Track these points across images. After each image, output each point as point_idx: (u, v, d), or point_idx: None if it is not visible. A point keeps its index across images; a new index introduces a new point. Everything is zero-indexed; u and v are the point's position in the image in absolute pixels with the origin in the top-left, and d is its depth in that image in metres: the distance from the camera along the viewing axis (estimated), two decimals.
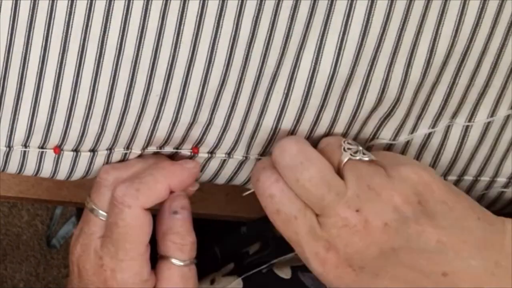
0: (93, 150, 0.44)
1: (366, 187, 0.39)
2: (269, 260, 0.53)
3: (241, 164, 0.46)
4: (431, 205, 0.39)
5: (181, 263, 0.44)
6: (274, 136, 0.44)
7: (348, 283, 0.39)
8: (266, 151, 0.45)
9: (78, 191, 0.56)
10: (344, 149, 0.41)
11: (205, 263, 0.49)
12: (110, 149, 0.44)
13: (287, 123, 0.43)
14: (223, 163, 0.45)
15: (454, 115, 0.44)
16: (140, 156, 0.45)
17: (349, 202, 0.39)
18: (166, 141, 0.44)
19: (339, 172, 0.41)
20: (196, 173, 0.44)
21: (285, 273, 0.51)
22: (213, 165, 0.46)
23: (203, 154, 0.45)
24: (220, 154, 0.45)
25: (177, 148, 0.45)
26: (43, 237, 1.43)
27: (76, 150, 0.43)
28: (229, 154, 0.45)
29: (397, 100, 0.42)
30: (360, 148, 0.41)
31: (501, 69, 0.42)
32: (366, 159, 0.40)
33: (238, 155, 0.45)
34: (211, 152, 0.45)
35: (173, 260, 0.44)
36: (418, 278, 0.38)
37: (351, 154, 0.40)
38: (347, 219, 0.39)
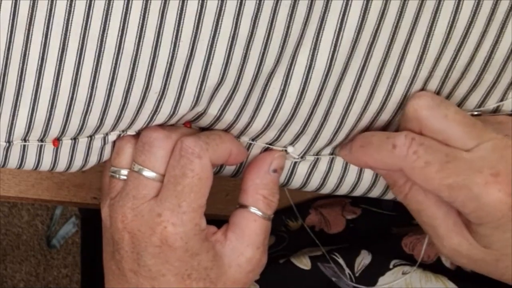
0: (90, 136, 0.44)
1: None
2: (286, 254, 0.53)
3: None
4: None
5: (266, 217, 0.45)
6: (267, 128, 0.44)
7: None
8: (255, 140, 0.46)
9: (78, 191, 0.56)
10: None
11: None
12: (106, 133, 0.44)
13: (282, 117, 0.43)
14: None
15: None
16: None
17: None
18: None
19: None
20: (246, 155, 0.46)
21: (304, 264, 0.51)
22: None
23: None
24: None
25: None
26: (43, 237, 1.44)
27: (74, 138, 0.44)
28: None
29: (387, 94, 0.43)
30: None
31: (493, 65, 0.43)
32: None
33: None
34: None
35: (259, 213, 0.45)
36: None
37: None
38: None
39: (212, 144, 0.43)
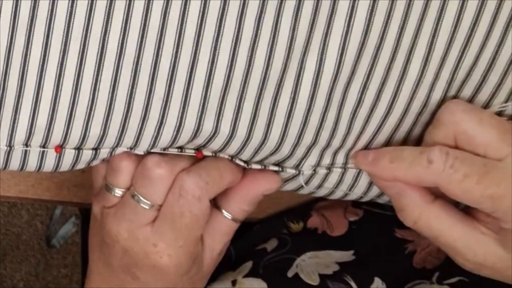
0: (96, 149, 0.44)
1: None
2: (290, 257, 0.53)
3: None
4: None
5: (238, 223, 0.47)
6: (282, 143, 0.43)
7: None
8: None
9: (78, 191, 0.56)
10: None
11: (220, 263, 0.50)
12: (114, 148, 0.44)
13: (294, 128, 0.43)
14: None
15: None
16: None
17: None
18: (171, 145, 0.44)
19: None
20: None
21: (312, 280, 0.51)
22: None
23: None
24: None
25: (181, 148, 0.44)
26: (43, 237, 1.43)
27: (78, 148, 0.43)
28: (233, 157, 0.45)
29: (394, 97, 0.43)
30: None
31: (499, 65, 0.42)
32: None
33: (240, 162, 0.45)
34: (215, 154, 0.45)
35: (235, 220, 0.47)
36: None
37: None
38: None
39: (212, 183, 0.44)
